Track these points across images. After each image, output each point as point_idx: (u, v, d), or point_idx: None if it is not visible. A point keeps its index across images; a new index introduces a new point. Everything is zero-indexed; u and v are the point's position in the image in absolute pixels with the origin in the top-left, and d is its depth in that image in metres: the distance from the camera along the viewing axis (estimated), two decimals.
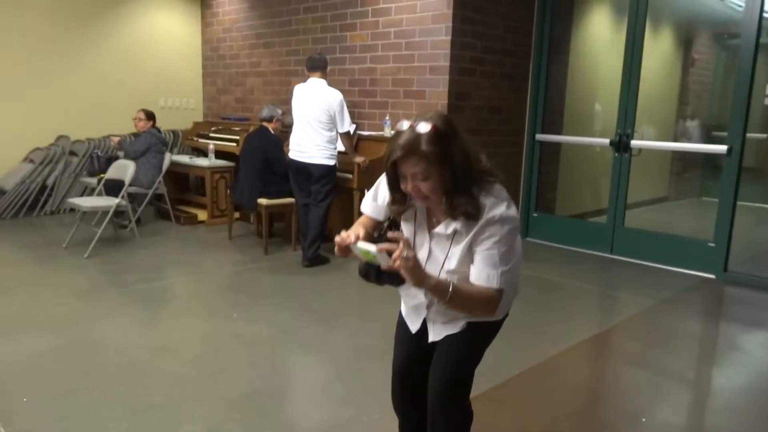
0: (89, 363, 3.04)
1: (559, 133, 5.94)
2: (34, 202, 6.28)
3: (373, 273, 1.61)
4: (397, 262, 1.47)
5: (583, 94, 6.44)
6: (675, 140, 6.57)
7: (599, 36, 6.57)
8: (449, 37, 4.97)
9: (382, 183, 1.76)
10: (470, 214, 1.57)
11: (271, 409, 2.63)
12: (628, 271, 5.01)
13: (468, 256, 1.62)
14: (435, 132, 1.52)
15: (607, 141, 5.40)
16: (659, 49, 6.74)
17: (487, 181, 1.62)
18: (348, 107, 4.85)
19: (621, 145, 5.29)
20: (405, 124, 1.56)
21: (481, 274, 1.59)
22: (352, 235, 1.59)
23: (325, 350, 3.35)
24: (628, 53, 5.22)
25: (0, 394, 2.68)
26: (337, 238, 1.61)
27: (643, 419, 2.63)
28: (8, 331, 3.40)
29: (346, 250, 1.61)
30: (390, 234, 1.53)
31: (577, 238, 5.65)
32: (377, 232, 1.76)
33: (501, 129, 5.61)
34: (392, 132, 1.61)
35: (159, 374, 2.94)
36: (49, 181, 6.31)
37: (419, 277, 1.51)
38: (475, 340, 1.79)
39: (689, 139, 6.47)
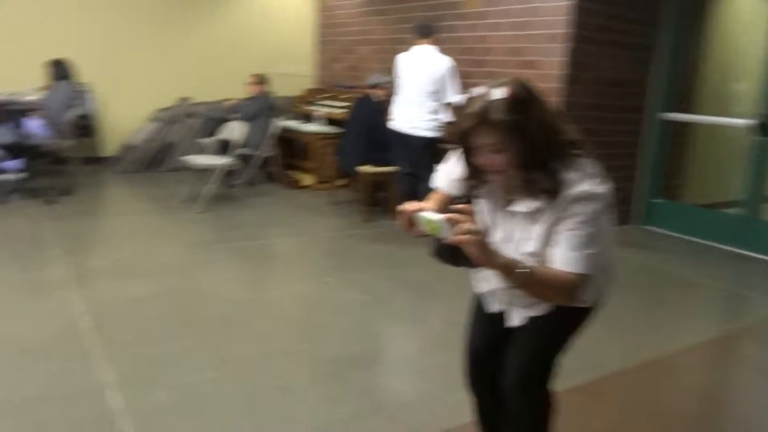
0: (187, 311, 3.17)
1: (688, 111, 5.38)
2: (157, 159, 6.69)
3: (446, 252, 1.45)
4: (462, 236, 1.32)
5: (720, 70, 5.78)
6: None
7: (742, 5, 5.83)
8: (570, 2, 4.60)
9: (454, 156, 1.61)
10: (551, 190, 1.39)
11: (352, 375, 2.59)
12: (764, 270, 4.46)
13: (549, 238, 1.44)
14: (511, 99, 1.35)
15: (747, 122, 4.81)
16: None
17: (573, 155, 1.43)
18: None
19: (765, 128, 4.68)
20: (478, 91, 1.39)
21: (562, 257, 1.42)
22: (417, 205, 1.46)
23: (417, 322, 3.26)
24: None
25: (108, 329, 2.85)
26: (400, 207, 1.48)
27: None
28: (120, 274, 3.63)
29: (410, 222, 1.48)
30: (457, 206, 1.38)
31: (705, 230, 5.12)
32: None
33: (620, 105, 5.16)
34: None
35: (249, 329, 3.00)
36: (171, 140, 6.68)
37: (486, 254, 1.35)
38: (560, 326, 1.61)
39: None
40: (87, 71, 5.88)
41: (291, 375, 2.56)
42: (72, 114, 5.37)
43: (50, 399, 2.27)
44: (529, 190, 1.42)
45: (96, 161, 6.63)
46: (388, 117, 4.89)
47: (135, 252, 4.07)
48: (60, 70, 5.42)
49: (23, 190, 5.06)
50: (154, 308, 3.16)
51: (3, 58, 5.97)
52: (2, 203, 4.87)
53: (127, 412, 2.21)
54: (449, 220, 1.35)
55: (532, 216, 1.46)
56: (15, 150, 4.97)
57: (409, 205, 1.47)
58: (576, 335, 1.64)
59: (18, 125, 5.11)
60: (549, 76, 4.80)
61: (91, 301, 3.17)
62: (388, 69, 5.81)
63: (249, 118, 5.91)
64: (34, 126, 5.16)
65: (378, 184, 5.61)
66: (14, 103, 5.54)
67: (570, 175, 1.40)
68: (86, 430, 2.10)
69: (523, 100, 1.37)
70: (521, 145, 1.37)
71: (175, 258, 4.00)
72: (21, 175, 5.04)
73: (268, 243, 4.55)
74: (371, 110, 5.14)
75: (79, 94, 5.60)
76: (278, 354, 2.75)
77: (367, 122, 5.10)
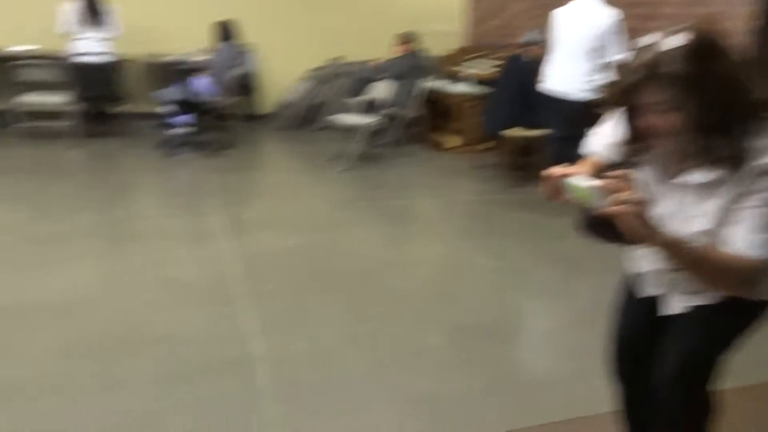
0: (328, 266, 3.26)
1: None
2: (308, 118, 6.95)
3: (597, 224, 1.26)
4: (618, 206, 1.13)
5: None
6: None
7: None
8: None
9: (612, 117, 1.39)
10: (735, 159, 1.16)
11: (486, 345, 2.50)
12: None
13: (726, 215, 1.21)
14: (690, 48, 1.12)
15: None
16: None
17: (763, 118, 1.18)
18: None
19: None
20: (649, 39, 1.17)
21: (742, 239, 1.18)
22: (565, 169, 1.27)
23: (558, 297, 3.07)
24: None
25: (254, 278, 3.03)
26: (546, 171, 1.30)
27: None
28: (269, 226, 3.83)
29: (556, 188, 1.29)
30: (614, 172, 1.18)
31: None
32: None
33: None
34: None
35: (386, 288, 3.01)
36: (321, 99, 6.88)
37: (646, 230, 1.15)
38: (729, 319, 1.37)
39: None
40: (249, 32, 6.20)
41: (423, 339, 2.53)
42: (235, 73, 5.71)
43: (198, 339, 2.45)
44: (707, 157, 1.20)
45: (254, 118, 7.03)
46: (541, 77, 4.59)
47: (283, 206, 4.28)
48: (225, 31, 5.76)
49: (191, 143, 5.51)
50: (298, 261, 3.29)
51: (174, 22, 6.47)
52: (172, 155, 5.35)
53: (265, 359, 2.32)
54: (603, 187, 1.17)
55: (707, 188, 1.24)
56: (184, 106, 5.41)
57: (557, 169, 1.30)
58: (748, 332, 1.40)
59: (187, 83, 5.54)
60: (735, 30, 4.18)
61: (242, 251, 3.37)
62: (543, 26, 5.44)
63: (396, 78, 5.89)
64: (201, 84, 5.56)
65: (525, 148, 5.35)
66: (184, 63, 6.01)
67: (761, 142, 1.16)
68: (226, 372, 2.24)
69: (705, 49, 1.14)
70: (699, 103, 1.15)
71: (319, 214, 4.14)
72: (190, 130, 5.49)
73: (409, 204, 4.55)
74: (522, 70, 4.87)
75: (241, 54, 5.93)
76: (412, 316, 2.73)
77: (517, 83, 4.85)
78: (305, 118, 6.94)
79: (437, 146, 6.33)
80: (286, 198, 4.51)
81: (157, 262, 3.20)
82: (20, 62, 5.31)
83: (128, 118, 6.16)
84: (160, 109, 5.58)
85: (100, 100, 5.92)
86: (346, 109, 6.68)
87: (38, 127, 5.59)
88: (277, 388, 2.15)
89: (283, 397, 2.10)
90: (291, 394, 2.12)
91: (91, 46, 5.52)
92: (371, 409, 2.07)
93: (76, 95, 5.53)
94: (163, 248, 3.39)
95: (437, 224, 4.21)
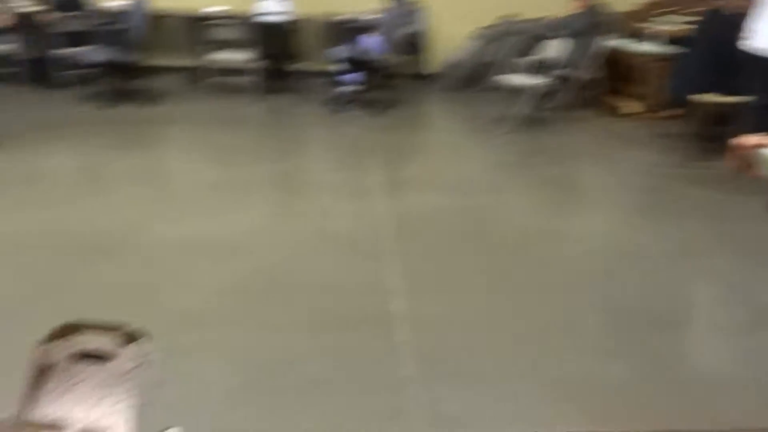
0: (478, 230, 3.20)
1: None
2: (475, 78, 6.76)
3: None
4: None
5: None
6: None
7: None
8: None
9: None
10: None
11: (643, 333, 2.28)
12: None
13: None
14: None
15: None
16: None
17: None
18: None
19: None
20: None
21: None
22: (761, 139, 1.02)
23: (739, 288, 2.69)
24: None
25: (403, 236, 3.05)
26: (735, 141, 1.05)
27: None
28: (423, 186, 3.84)
29: (745, 162, 1.05)
30: None
31: None
32: None
33: None
34: None
35: (537, 258, 2.88)
36: (489, 59, 6.64)
37: None
38: None
39: None
40: None
41: (573, 318, 2.36)
42: (404, 31, 5.70)
43: (344, 290, 2.53)
44: None
45: (421, 78, 7.01)
46: (745, 34, 3.97)
47: (441, 167, 4.26)
48: None
49: (358, 101, 5.65)
50: (450, 223, 3.25)
51: None
52: (340, 112, 5.53)
53: (406, 318, 2.32)
54: None
55: None
56: (354, 64, 5.54)
57: (750, 139, 1.07)
58: None
59: (357, 42, 5.65)
60: None
61: (396, 209, 3.41)
62: None
63: (571, 36, 5.49)
64: (371, 42, 5.64)
65: (719, 116, 4.71)
66: (356, 21, 6.13)
67: None
68: (368, 325, 2.28)
69: None
70: None
71: (477, 177, 4.05)
72: (358, 88, 5.62)
73: (573, 172, 4.26)
74: (723, 26, 4.25)
75: (411, 13, 5.89)
76: (564, 292, 2.56)
77: (715, 41, 4.26)
78: (472, 78, 6.76)
79: (613, 111, 5.83)
80: (445, 159, 4.47)
81: (316, 213, 3.35)
82: (212, 22, 5.80)
83: (303, 76, 6.47)
84: (331, 67, 5.78)
85: (279, 57, 6.29)
86: (515, 70, 6.39)
87: (225, 83, 6.09)
88: (415, 347, 2.15)
89: (421, 358, 2.09)
90: (428, 356, 2.10)
91: (272, 7, 5.85)
92: (509, 383, 1.98)
93: (259, 53, 5.92)
94: (323, 201, 3.54)
95: (604, 196, 3.89)
